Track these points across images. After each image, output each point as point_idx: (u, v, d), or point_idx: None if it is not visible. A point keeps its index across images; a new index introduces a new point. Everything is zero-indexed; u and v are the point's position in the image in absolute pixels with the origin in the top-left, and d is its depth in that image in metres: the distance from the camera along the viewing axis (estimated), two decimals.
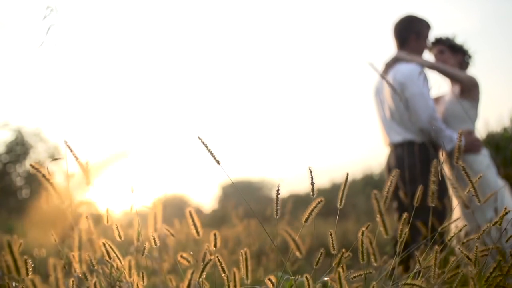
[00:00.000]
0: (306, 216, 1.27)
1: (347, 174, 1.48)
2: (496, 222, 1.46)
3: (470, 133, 3.56)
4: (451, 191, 3.64)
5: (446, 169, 3.62)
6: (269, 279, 1.27)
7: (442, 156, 3.63)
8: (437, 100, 3.90)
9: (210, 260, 1.24)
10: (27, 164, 13.38)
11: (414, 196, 2.71)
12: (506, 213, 1.43)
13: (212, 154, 1.28)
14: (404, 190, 3.27)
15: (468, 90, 3.58)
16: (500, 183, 3.43)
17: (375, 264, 1.57)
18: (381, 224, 1.19)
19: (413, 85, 3.43)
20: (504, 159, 7.64)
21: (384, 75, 3.77)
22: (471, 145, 3.49)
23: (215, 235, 1.26)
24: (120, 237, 1.48)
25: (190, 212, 1.26)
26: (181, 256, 1.33)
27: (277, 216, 1.33)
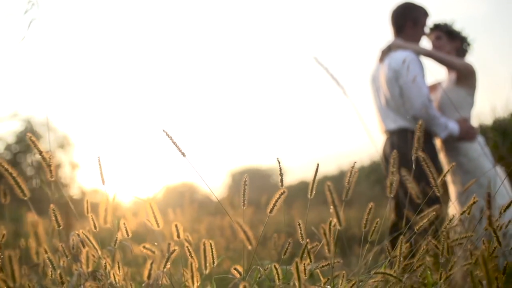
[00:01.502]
0: (271, 207, 1.29)
1: (318, 164, 1.49)
2: (464, 211, 1.46)
3: (465, 121, 3.53)
4: (448, 178, 3.64)
5: (442, 157, 3.61)
6: (235, 269, 1.29)
7: (437, 143, 3.62)
8: (434, 87, 3.87)
9: (175, 250, 1.26)
10: (37, 154, 13.52)
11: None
12: (475, 202, 1.43)
13: (177, 146, 1.30)
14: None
15: (464, 78, 3.55)
16: (495, 170, 3.41)
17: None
18: (334, 215, 1.20)
19: (408, 72, 3.41)
20: (511, 144, 7.60)
21: (380, 62, 3.76)
22: (466, 133, 3.47)
23: (176, 226, 1.28)
24: (95, 228, 1.51)
25: (150, 205, 1.28)
26: (144, 247, 1.36)
27: (244, 207, 1.35)
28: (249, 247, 1.02)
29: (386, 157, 3.68)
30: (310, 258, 1.34)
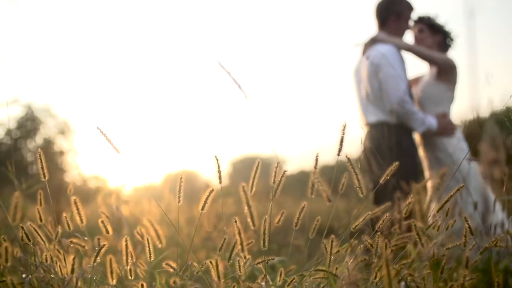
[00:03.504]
0: (202, 203, 1.31)
1: (258, 162, 1.52)
2: (397, 214, 1.48)
3: (444, 116, 3.53)
4: (426, 174, 3.64)
5: (421, 151, 3.61)
6: (168, 264, 1.31)
7: (416, 138, 3.62)
8: (416, 80, 3.87)
9: (104, 245, 1.28)
10: (38, 139, 13.66)
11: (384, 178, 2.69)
12: (410, 203, 1.45)
13: (111, 143, 1.32)
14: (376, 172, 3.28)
15: (445, 72, 3.55)
16: (472, 166, 3.40)
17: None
18: (248, 216, 1.22)
19: (387, 66, 3.41)
20: (507, 137, 7.57)
21: (362, 55, 3.75)
22: (445, 128, 3.47)
23: (102, 222, 1.30)
24: (41, 220, 1.54)
25: (75, 201, 1.31)
26: (71, 242, 1.38)
27: (180, 203, 1.37)
28: (159, 246, 1.04)
29: (366, 150, 3.68)
30: (244, 255, 1.36)
